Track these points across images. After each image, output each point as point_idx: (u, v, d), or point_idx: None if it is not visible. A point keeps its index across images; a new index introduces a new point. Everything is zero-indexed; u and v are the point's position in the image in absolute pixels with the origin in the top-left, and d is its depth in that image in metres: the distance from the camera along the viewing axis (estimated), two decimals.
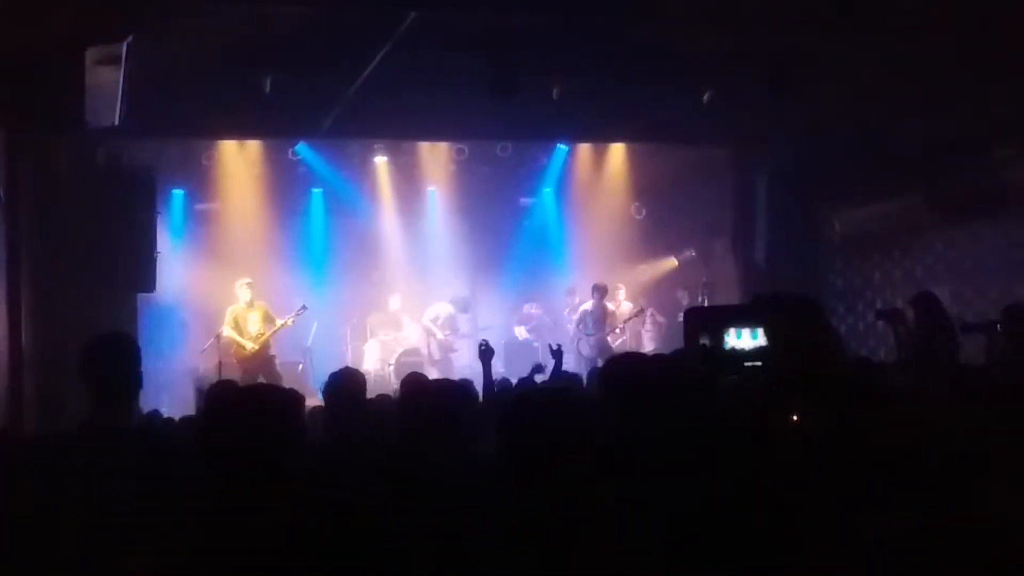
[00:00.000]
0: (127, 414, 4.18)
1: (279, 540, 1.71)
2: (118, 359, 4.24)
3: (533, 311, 16.56)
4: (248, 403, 2.89)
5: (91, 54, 6.22)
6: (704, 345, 1.95)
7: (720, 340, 1.94)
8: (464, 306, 15.69)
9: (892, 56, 9.11)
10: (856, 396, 1.78)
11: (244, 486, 2.70)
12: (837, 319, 12.13)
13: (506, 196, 16.44)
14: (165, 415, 7.95)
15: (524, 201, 16.81)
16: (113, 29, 5.93)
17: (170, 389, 12.89)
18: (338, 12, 8.22)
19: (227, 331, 12.71)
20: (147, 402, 8.21)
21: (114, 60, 6.47)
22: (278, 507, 2.60)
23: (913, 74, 9.53)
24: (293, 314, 13.14)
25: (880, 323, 9.49)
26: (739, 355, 1.93)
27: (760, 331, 1.89)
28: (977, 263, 11.23)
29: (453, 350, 15.31)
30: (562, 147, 15.66)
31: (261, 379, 12.12)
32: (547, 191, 16.76)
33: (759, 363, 1.90)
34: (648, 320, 15.82)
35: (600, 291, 14.68)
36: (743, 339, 1.93)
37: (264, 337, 12.76)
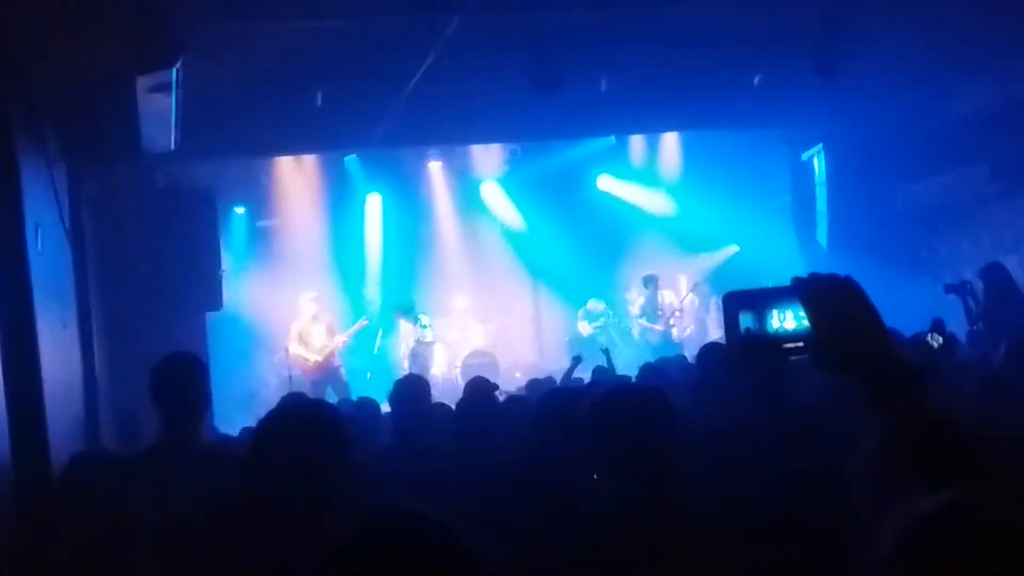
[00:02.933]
0: (197, 433, 4.27)
1: (340, 552, 1.73)
2: (186, 379, 4.33)
3: (598, 306, 16.51)
4: (294, 421, 2.94)
5: (142, 82, 6.35)
6: (748, 329, 1.93)
7: (763, 323, 1.92)
8: (406, 313, 14.08)
9: (945, 23, 8.95)
10: (900, 373, 1.76)
11: (299, 500, 2.75)
12: (905, 294, 11.94)
13: (563, 191, 16.39)
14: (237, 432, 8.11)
15: (582, 195, 16.73)
16: (161, 56, 6.06)
17: (241, 405, 13.09)
18: (383, 22, 8.28)
19: (293, 346, 12.99)
20: (220, 418, 8.35)
21: (165, 87, 6.61)
22: (336, 518, 2.64)
23: (967, 41, 9.35)
24: (354, 327, 13.44)
25: (950, 296, 9.35)
26: (781, 338, 1.91)
27: (801, 313, 1.87)
28: None
29: (403, 367, 13.59)
30: (614, 139, 15.60)
31: (329, 389, 12.37)
32: (604, 184, 16.71)
33: (800, 344, 1.88)
34: (712, 307, 15.70)
35: (652, 281, 14.69)
36: (785, 321, 1.91)
37: (328, 350, 13.01)
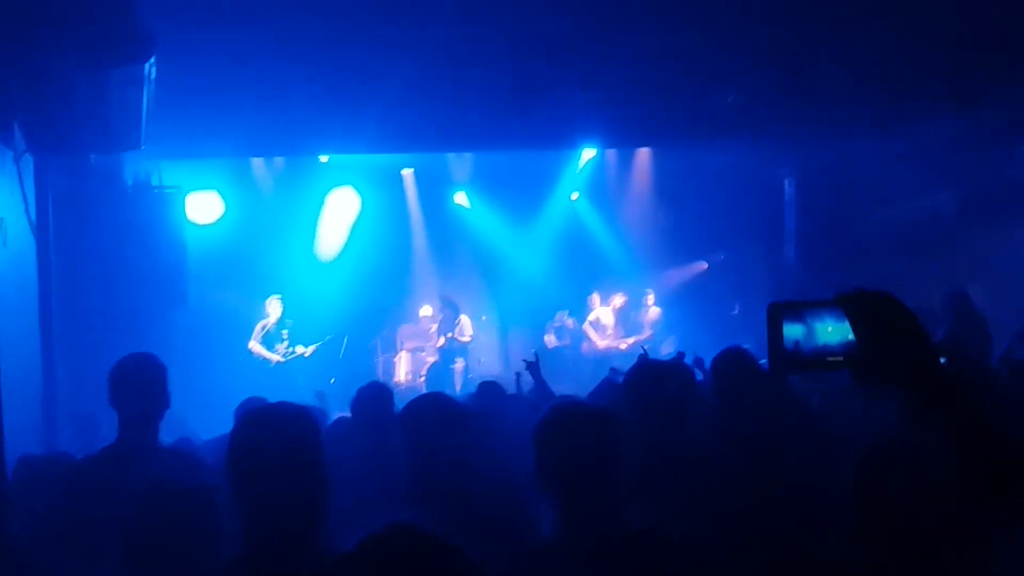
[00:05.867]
0: (154, 434, 4.20)
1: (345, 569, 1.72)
2: (144, 380, 4.26)
3: (566, 319, 16.53)
4: (268, 421, 2.90)
5: (114, 76, 6.28)
6: (792, 342, 1.94)
7: (808, 336, 1.94)
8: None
9: (915, 54, 9.03)
10: (950, 383, 1.78)
11: (268, 503, 2.72)
12: None
13: (534, 204, 16.40)
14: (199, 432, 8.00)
15: (552, 208, 16.74)
16: (134, 51, 5.99)
17: (203, 406, 12.95)
18: (363, 27, 8.22)
19: (256, 346, 12.98)
20: (182, 419, 8.22)
21: (137, 82, 6.54)
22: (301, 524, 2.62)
23: (938, 72, 9.44)
24: (318, 343, 13.45)
25: None
26: (825, 351, 1.93)
27: (845, 327, 1.89)
28: (1012, 261, 11.08)
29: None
30: (588, 152, 15.62)
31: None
32: (576, 198, 16.74)
33: (841, 359, 1.90)
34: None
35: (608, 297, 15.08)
36: (829, 335, 1.93)
37: (292, 356, 13.05)
